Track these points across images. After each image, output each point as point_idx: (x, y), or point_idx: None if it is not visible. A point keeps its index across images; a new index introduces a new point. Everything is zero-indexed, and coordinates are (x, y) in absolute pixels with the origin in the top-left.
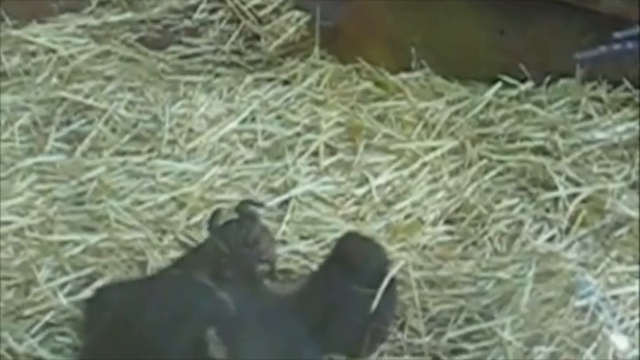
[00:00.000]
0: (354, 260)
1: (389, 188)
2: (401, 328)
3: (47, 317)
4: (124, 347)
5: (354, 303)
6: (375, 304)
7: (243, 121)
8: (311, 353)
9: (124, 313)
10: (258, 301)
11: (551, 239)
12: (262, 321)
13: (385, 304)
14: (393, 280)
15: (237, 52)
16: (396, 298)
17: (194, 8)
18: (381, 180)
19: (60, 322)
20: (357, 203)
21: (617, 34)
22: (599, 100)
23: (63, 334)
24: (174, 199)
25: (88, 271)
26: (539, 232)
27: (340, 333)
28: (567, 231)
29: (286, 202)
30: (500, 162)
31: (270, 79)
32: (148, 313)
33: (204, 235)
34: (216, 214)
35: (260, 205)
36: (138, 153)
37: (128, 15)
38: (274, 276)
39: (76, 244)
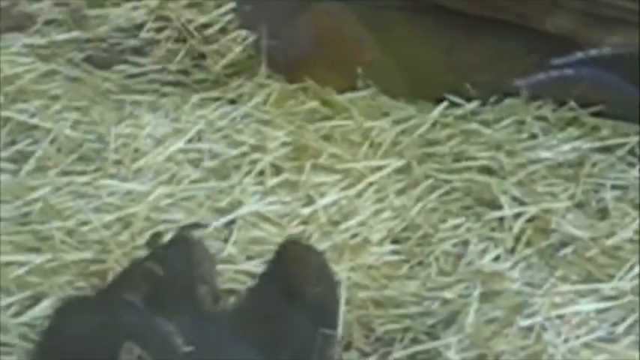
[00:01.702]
0: (296, 266)
1: (335, 208)
2: (347, 348)
3: None
4: None
5: (299, 308)
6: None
7: (190, 140)
8: None
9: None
10: (200, 326)
11: (496, 259)
12: (206, 349)
13: (330, 305)
14: (335, 284)
15: (184, 72)
16: (339, 300)
17: (140, 27)
18: (328, 200)
19: (5, 342)
20: (303, 223)
21: (556, 61)
22: (545, 119)
23: (8, 353)
24: (119, 219)
25: (33, 291)
26: (484, 251)
27: (289, 341)
28: (512, 250)
29: (232, 222)
30: (446, 181)
31: (216, 99)
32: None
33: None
34: (155, 236)
35: (204, 226)
36: (83, 173)
37: (74, 34)
38: (216, 297)
39: (21, 264)
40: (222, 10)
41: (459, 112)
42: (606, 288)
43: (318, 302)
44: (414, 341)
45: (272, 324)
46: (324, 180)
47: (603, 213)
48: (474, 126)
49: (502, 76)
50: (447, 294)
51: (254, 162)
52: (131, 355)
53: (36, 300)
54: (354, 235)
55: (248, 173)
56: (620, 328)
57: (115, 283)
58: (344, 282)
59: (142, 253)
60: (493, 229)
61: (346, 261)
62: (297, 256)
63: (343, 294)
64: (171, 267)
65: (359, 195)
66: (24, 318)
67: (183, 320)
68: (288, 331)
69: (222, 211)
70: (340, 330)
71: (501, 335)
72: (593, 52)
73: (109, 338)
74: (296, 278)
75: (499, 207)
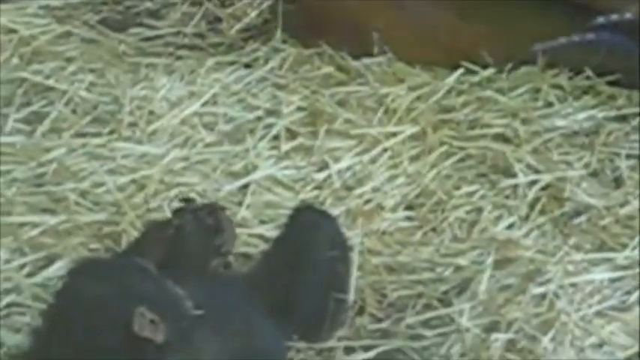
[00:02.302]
0: (309, 231)
1: (349, 173)
2: (360, 313)
3: (6, 299)
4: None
5: (312, 272)
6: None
7: (204, 104)
8: (273, 343)
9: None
10: (212, 290)
11: (510, 226)
12: (217, 312)
13: (343, 270)
14: (348, 249)
15: (199, 35)
16: (351, 265)
17: None
18: (342, 165)
19: (19, 302)
20: (317, 188)
21: (573, 28)
22: (561, 87)
23: (22, 314)
24: (134, 181)
25: (47, 252)
26: (498, 219)
27: (302, 305)
28: (526, 218)
29: (246, 186)
30: (461, 148)
31: (231, 63)
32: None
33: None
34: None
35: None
36: (98, 135)
37: None
38: (227, 263)
39: (35, 225)
40: None
41: (474, 79)
42: (619, 257)
43: (330, 267)
44: (427, 307)
45: (284, 288)
46: (338, 145)
47: (618, 182)
48: (489, 93)
49: (518, 43)
50: (461, 261)
51: (269, 126)
52: (143, 319)
53: (50, 261)
54: (368, 201)
55: (263, 137)
56: (633, 297)
57: (131, 248)
58: (357, 247)
59: (156, 215)
60: (507, 197)
61: (359, 226)
62: (310, 220)
63: (356, 259)
64: (191, 231)
65: (373, 161)
66: (37, 279)
67: (196, 284)
68: (300, 296)
69: (236, 175)
70: (352, 295)
71: (514, 302)
72: (612, 19)
73: (121, 302)
74: (309, 243)
75: (513, 175)
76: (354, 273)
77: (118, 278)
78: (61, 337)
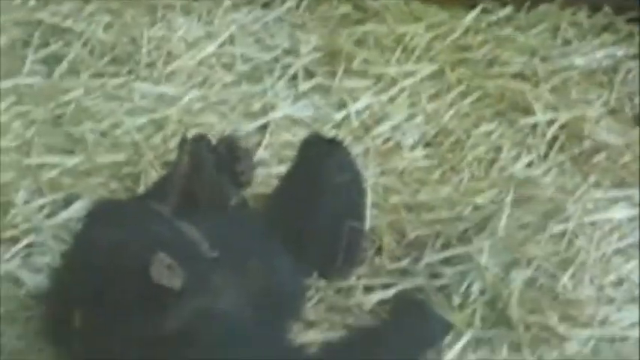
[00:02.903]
0: (319, 158)
1: (367, 112)
2: (378, 252)
3: (26, 240)
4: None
5: (325, 199)
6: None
7: (222, 44)
8: (292, 283)
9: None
10: (230, 232)
11: (529, 165)
12: (235, 253)
13: (356, 196)
14: (360, 173)
15: None
16: (364, 191)
17: None
18: (360, 104)
19: (38, 243)
20: (335, 127)
21: None
22: (579, 25)
23: (42, 254)
24: (152, 121)
25: (66, 193)
26: (517, 157)
27: (317, 234)
28: (545, 156)
29: (264, 126)
30: (479, 87)
31: (249, 2)
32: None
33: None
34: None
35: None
36: (116, 75)
37: None
38: (245, 203)
39: (54, 166)
40: None
41: (492, 17)
42: (638, 195)
43: (342, 193)
44: (446, 246)
45: (299, 220)
46: (356, 85)
47: (636, 119)
48: (507, 32)
49: None
50: (479, 199)
51: (286, 66)
52: (161, 265)
53: (69, 201)
54: (387, 140)
55: (280, 77)
56: None
57: (149, 191)
58: (376, 186)
59: (174, 156)
60: (526, 135)
61: (378, 165)
62: (318, 149)
63: (371, 194)
64: (208, 166)
65: (391, 100)
66: (57, 219)
67: (213, 225)
68: (314, 224)
69: (254, 115)
70: (367, 224)
71: (533, 241)
72: None
73: (137, 248)
74: (319, 171)
75: (532, 113)
76: (369, 202)
77: (134, 223)
78: (79, 281)
